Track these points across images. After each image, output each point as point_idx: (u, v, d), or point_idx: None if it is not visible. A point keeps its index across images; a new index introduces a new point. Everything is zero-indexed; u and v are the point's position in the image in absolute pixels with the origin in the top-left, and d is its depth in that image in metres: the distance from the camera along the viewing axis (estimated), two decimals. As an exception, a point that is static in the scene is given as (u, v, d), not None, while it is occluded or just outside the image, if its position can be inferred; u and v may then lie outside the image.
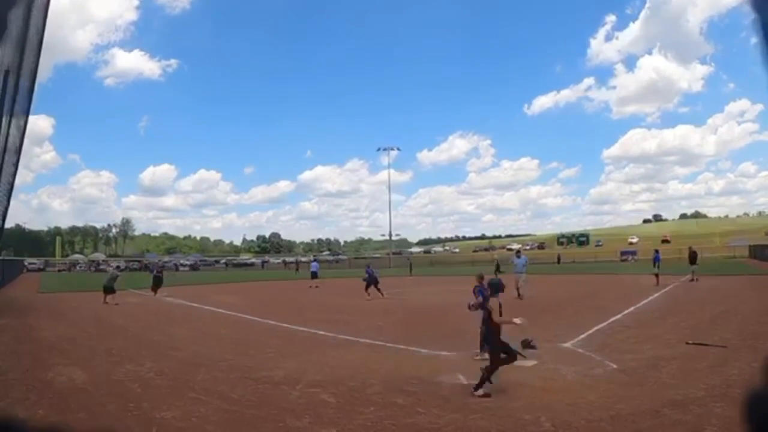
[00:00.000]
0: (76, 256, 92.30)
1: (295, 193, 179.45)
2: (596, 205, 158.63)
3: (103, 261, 77.54)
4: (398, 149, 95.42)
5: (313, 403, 7.45)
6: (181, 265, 74.11)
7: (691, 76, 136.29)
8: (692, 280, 26.06)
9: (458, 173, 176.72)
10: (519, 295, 19.72)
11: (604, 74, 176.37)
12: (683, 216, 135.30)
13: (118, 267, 37.76)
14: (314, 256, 46.58)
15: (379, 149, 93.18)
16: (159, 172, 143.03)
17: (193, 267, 77.52)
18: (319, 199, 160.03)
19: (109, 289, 23.54)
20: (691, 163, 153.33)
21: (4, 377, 9.18)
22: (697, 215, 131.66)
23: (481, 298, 9.47)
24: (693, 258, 27.83)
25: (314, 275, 32.84)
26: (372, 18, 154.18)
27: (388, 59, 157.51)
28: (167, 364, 10.20)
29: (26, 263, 66.77)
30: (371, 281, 24.47)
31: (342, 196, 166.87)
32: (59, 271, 71.69)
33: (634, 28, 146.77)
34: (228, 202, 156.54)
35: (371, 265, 29.58)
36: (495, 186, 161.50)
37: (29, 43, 3.48)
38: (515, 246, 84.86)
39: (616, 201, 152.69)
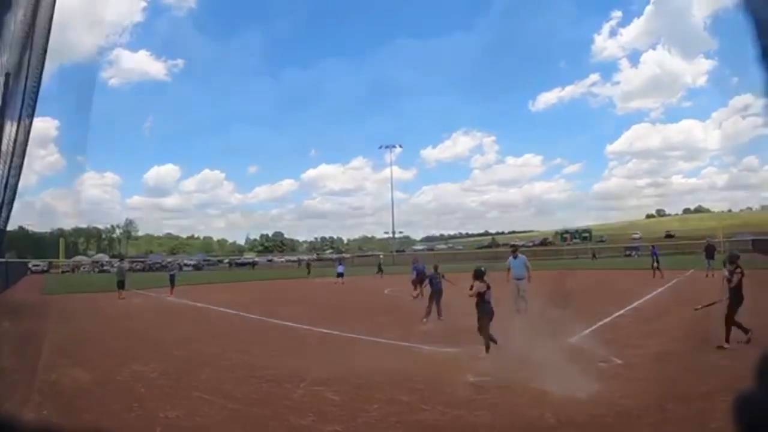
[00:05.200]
0: (80, 257, 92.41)
1: (299, 192, 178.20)
2: (600, 201, 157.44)
3: (106, 262, 77.65)
4: (401, 147, 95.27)
5: (317, 401, 7.47)
6: (185, 265, 74.24)
7: (695, 71, 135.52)
8: (707, 275, 23.88)
9: (462, 170, 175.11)
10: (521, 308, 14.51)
11: (608, 70, 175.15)
12: (686, 210, 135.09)
13: (121, 259, 37.91)
14: (339, 259, 46.96)
15: (381, 147, 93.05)
16: (163, 173, 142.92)
17: (197, 267, 77.71)
18: (323, 197, 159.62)
19: (121, 284, 25.40)
20: (694, 158, 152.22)
21: (8, 378, 9.21)
22: (700, 210, 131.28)
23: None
24: (710, 252, 25.92)
25: (340, 275, 34.89)
26: (375, 17, 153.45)
27: (392, 57, 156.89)
28: (171, 364, 10.24)
29: (30, 265, 66.85)
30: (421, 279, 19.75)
31: (346, 194, 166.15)
32: (62, 272, 71.81)
33: (638, 24, 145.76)
34: (231, 202, 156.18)
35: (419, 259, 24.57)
36: (499, 182, 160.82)
37: (34, 46, 3.50)
38: (518, 242, 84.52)
39: (619, 196, 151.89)
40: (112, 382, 8.94)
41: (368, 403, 7.24)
